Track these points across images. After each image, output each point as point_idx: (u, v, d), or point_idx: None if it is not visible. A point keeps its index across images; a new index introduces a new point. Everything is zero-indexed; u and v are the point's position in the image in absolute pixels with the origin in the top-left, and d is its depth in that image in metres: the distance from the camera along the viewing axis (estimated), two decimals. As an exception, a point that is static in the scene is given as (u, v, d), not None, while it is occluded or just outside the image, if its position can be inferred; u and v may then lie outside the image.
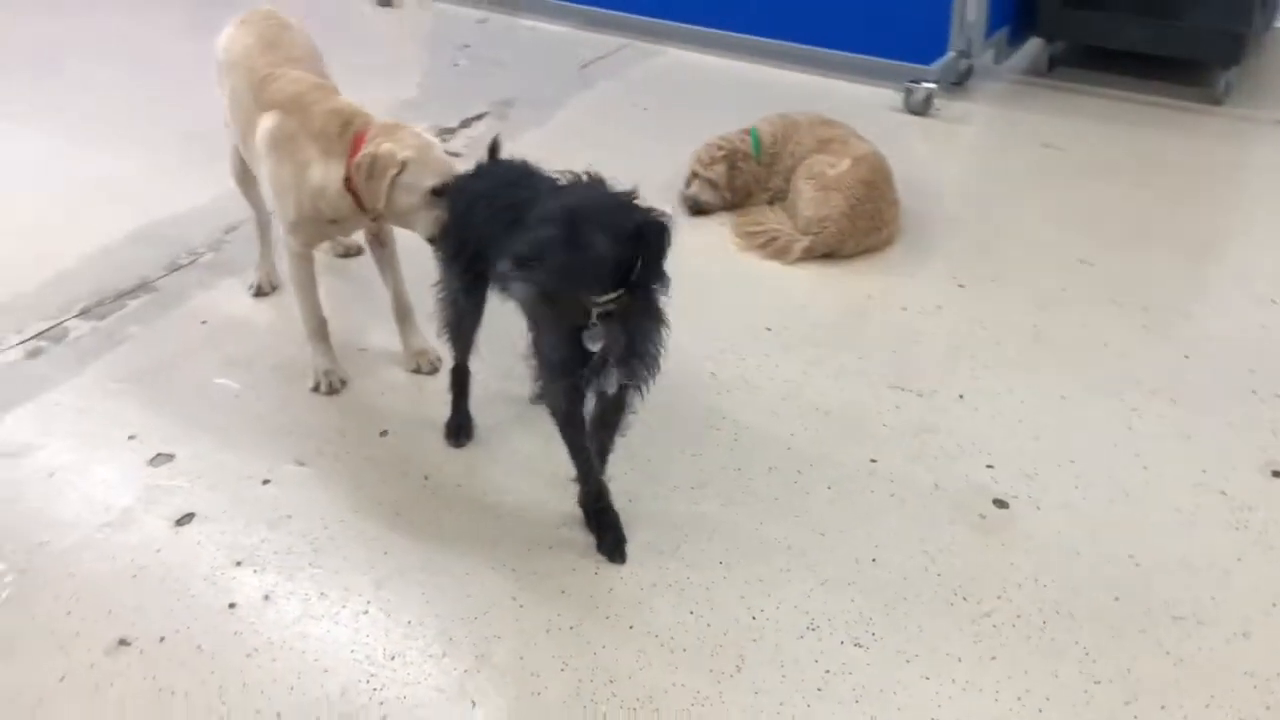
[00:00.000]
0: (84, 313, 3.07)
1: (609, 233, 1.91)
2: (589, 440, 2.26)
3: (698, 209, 3.56)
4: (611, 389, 2.13)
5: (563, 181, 2.12)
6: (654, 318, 2.09)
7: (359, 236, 3.02)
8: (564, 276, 1.92)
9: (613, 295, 1.99)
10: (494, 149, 2.48)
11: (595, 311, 2.01)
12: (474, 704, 1.99)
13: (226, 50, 2.74)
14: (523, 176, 2.28)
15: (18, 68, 4.66)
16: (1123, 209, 3.60)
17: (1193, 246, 3.39)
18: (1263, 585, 2.21)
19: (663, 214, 1.96)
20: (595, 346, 2.04)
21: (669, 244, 1.96)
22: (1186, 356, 2.88)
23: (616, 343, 2.05)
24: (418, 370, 2.84)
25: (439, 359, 2.82)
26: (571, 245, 1.89)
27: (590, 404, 2.22)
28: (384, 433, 2.65)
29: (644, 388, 2.17)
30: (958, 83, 4.40)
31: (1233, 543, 2.32)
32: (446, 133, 4.09)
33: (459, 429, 2.61)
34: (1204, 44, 4.23)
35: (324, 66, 2.76)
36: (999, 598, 2.20)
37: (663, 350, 2.13)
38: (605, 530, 2.31)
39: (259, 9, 2.82)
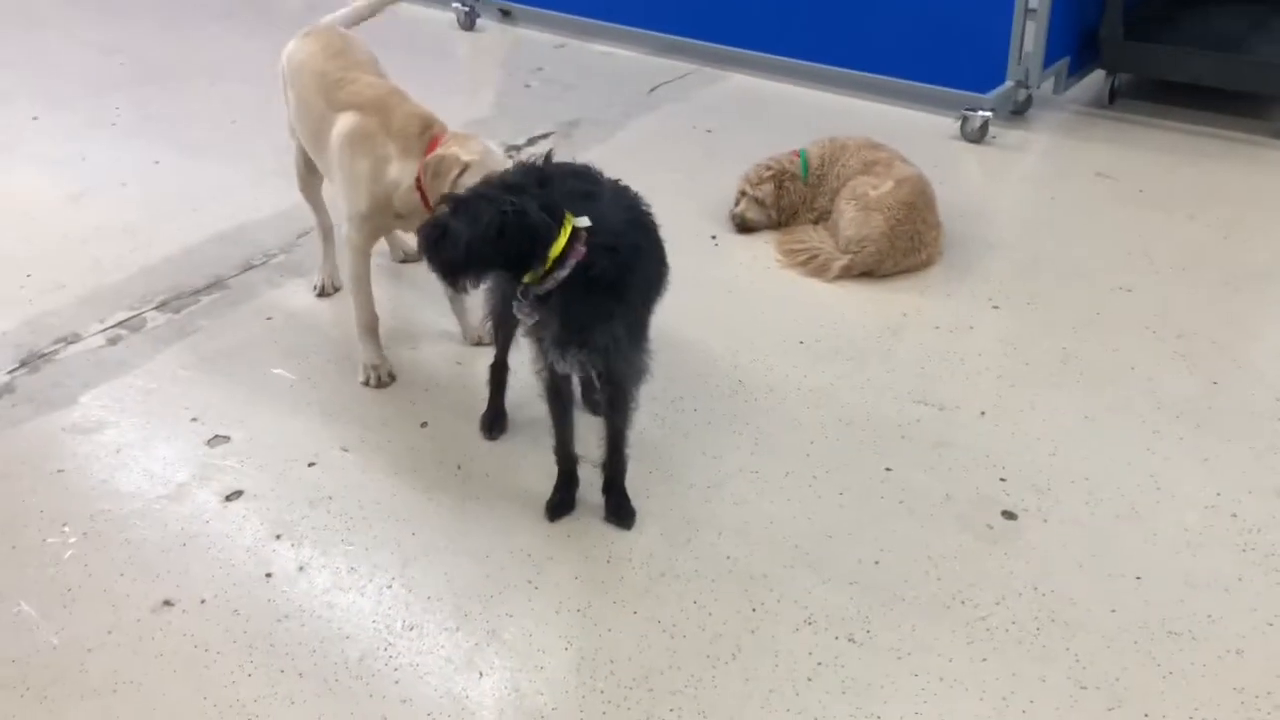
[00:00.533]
0: (162, 305, 3.30)
1: (472, 223, 2.04)
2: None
3: (745, 226, 3.66)
4: (562, 369, 2.28)
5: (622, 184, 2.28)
6: (598, 308, 2.17)
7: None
8: (435, 257, 2.11)
9: (526, 278, 2.13)
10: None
11: (520, 289, 2.16)
12: (481, 675, 2.11)
13: (290, 58, 2.95)
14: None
15: (133, 82, 4.98)
16: (1171, 239, 3.61)
17: (1236, 277, 3.38)
18: (1262, 605, 2.23)
19: (516, 206, 2.04)
20: (525, 320, 2.21)
21: (531, 237, 2.06)
22: (1215, 383, 2.89)
23: (549, 322, 2.19)
24: (479, 343, 3.05)
25: None
26: (440, 230, 2.08)
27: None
28: (424, 424, 2.81)
29: (617, 376, 2.29)
30: (1017, 112, 4.44)
31: (1237, 563, 2.34)
32: (513, 149, 4.26)
33: (493, 423, 2.75)
34: (1268, 77, 4.21)
35: (383, 75, 2.95)
36: (997, 604, 2.25)
37: (618, 345, 2.22)
38: (608, 497, 2.49)
39: (321, 23, 3.03)
